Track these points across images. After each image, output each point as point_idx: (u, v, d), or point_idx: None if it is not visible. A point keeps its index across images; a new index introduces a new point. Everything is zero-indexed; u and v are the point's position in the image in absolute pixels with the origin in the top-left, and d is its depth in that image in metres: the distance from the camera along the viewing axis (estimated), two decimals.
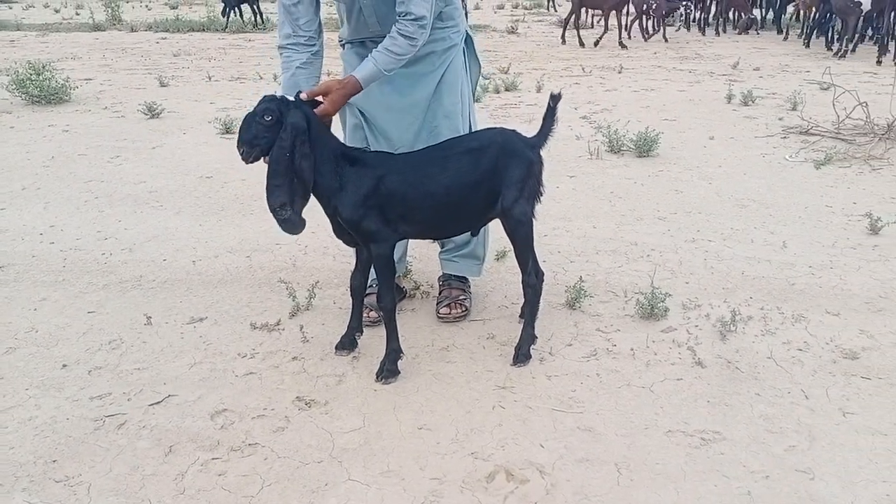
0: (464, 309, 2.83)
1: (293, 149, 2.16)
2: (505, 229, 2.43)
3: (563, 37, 11.03)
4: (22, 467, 2.03)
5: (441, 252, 2.95)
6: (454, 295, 2.86)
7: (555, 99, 2.40)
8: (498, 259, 3.28)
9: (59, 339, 2.70)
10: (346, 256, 3.28)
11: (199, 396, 2.35)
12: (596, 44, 10.48)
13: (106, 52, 10.17)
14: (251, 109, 2.20)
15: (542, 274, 2.52)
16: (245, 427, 2.20)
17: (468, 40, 2.71)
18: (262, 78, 8.07)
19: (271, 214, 2.21)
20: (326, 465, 2.04)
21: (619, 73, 8.25)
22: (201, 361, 2.55)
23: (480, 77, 2.88)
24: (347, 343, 2.59)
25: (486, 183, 2.33)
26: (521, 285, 2.51)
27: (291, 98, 2.25)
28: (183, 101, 6.83)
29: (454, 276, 2.93)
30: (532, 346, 2.53)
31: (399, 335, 2.44)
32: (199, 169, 4.74)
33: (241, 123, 2.20)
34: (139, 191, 4.32)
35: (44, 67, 6.77)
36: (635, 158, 4.90)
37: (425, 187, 2.31)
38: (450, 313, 2.80)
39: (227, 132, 5.54)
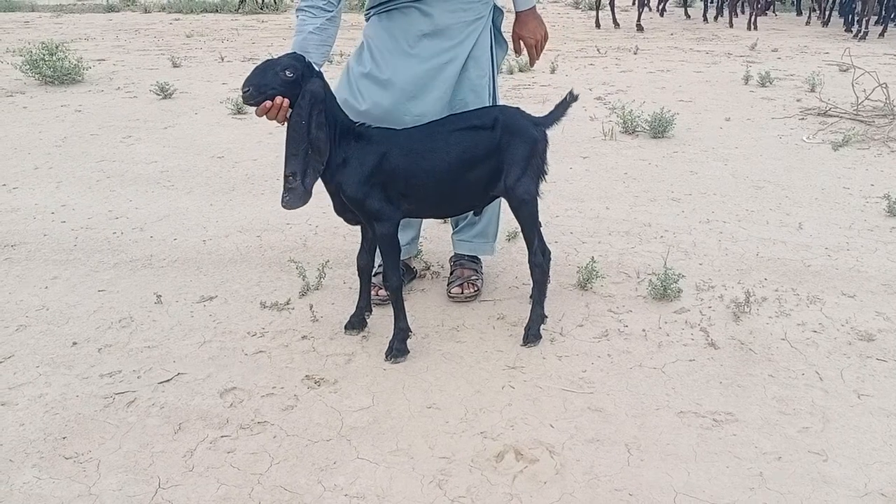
0: (475, 289, 2.81)
1: (310, 117, 2.13)
2: (511, 208, 2.41)
3: (597, 21, 10.40)
4: (32, 444, 2.04)
5: (454, 233, 2.92)
6: (466, 275, 2.84)
7: (572, 97, 2.41)
8: (509, 240, 3.26)
9: (69, 317, 2.70)
10: (356, 236, 3.24)
11: (209, 375, 2.35)
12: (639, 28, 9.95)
13: (119, 33, 10.15)
14: (273, 58, 2.17)
15: (549, 253, 2.49)
16: (254, 405, 2.20)
17: (496, 16, 2.63)
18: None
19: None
20: (335, 443, 2.04)
21: (635, 54, 8.14)
22: (211, 340, 2.55)
23: (505, 55, 2.77)
24: (357, 322, 2.58)
25: (490, 160, 2.31)
26: None
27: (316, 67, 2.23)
28: (195, 81, 6.81)
29: (467, 255, 2.91)
30: (542, 327, 2.50)
31: (408, 315, 2.43)
32: (210, 149, 4.73)
33: (257, 65, 2.14)
34: (151, 170, 4.32)
35: (57, 48, 6.76)
36: (650, 139, 4.84)
37: (429, 164, 2.28)
38: (462, 293, 2.78)
39: (239, 112, 5.53)
